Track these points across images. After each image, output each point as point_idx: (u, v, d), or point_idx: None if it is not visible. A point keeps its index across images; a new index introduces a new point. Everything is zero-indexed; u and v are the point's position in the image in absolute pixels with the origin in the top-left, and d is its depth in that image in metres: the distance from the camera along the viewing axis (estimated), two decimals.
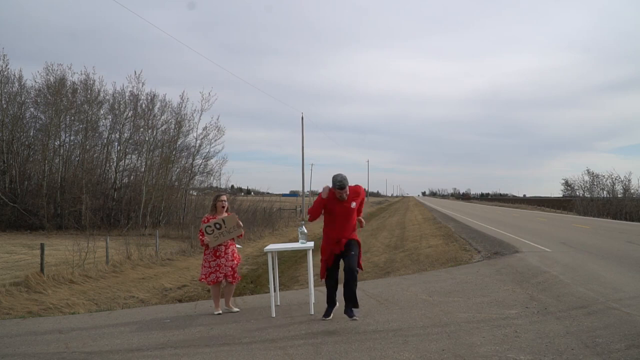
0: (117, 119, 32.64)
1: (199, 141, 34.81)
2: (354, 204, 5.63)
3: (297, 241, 6.55)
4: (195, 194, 36.38)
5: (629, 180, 40.05)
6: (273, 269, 6.44)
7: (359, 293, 7.58)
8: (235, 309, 6.55)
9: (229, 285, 6.55)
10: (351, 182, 5.66)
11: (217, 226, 6.36)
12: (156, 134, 33.41)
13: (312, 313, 6.12)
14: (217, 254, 6.41)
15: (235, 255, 6.56)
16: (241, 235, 6.55)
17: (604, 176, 42.19)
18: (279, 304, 6.75)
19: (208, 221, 6.42)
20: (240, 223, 6.50)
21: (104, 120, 32.98)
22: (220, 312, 6.48)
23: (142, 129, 33.01)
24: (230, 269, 6.43)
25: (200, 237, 6.44)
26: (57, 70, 30.65)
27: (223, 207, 6.54)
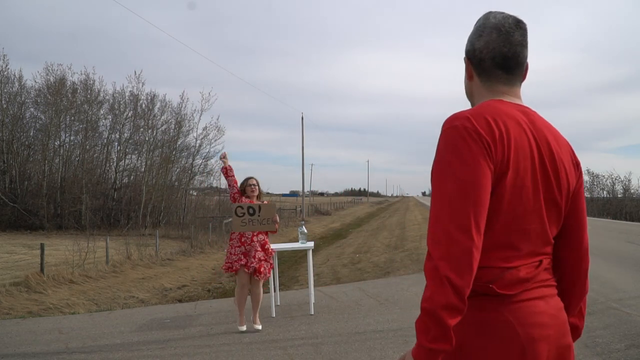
0: (117, 119, 32.69)
1: (199, 141, 34.90)
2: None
3: (297, 241, 6.55)
4: (195, 194, 36.44)
5: (629, 180, 40.09)
6: (273, 268, 6.44)
7: (359, 293, 7.62)
8: (258, 326, 5.46)
9: (255, 289, 5.50)
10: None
11: (251, 211, 5.39)
12: (156, 134, 33.47)
13: (312, 313, 6.12)
14: (243, 240, 5.43)
15: (266, 247, 5.54)
16: (274, 231, 5.61)
17: (604, 176, 42.21)
18: (279, 304, 6.74)
19: (240, 200, 5.53)
20: (277, 218, 5.58)
21: (104, 120, 33.06)
22: (245, 327, 5.43)
23: (142, 129, 33.06)
24: (258, 260, 5.40)
25: (226, 169, 5.60)
26: (57, 70, 30.73)
27: (253, 191, 5.61)
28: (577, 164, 1.42)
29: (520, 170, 1.25)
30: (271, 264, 5.65)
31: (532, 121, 1.34)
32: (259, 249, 5.45)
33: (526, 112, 1.36)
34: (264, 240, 5.54)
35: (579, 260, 1.46)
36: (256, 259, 5.41)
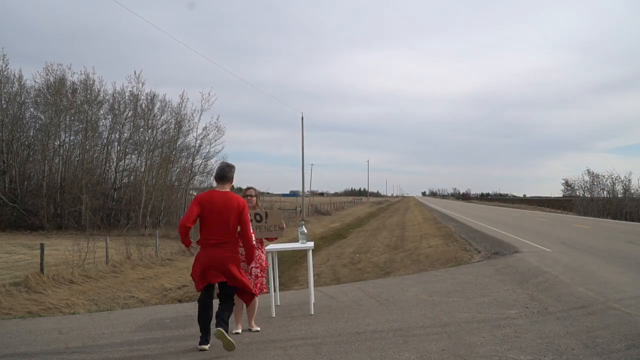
0: (117, 119, 32.72)
1: (199, 141, 34.93)
2: None
3: (297, 241, 6.55)
4: (195, 194, 36.39)
5: (629, 180, 40.06)
6: (273, 269, 6.44)
7: (359, 293, 7.63)
8: (256, 328, 5.44)
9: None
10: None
11: (258, 217, 5.44)
12: (156, 134, 33.51)
13: (312, 313, 6.12)
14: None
15: (261, 261, 5.51)
16: (276, 238, 5.74)
17: (604, 176, 42.19)
18: (279, 304, 6.74)
19: None
20: (284, 225, 5.65)
21: (103, 120, 33.12)
22: (240, 330, 5.36)
23: (142, 129, 33.09)
24: (252, 276, 5.36)
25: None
26: (57, 70, 30.77)
27: (249, 202, 5.57)
28: (239, 207, 4.74)
29: (207, 210, 4.71)
30: (264, 276, 5.60)
31: (220, 195, 4.76)
32: (254, 264, 5.41)
33: (217, 191, 4.82)
34: (259, 255, 5.49)
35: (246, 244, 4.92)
36: (252, 276, 5.38)
